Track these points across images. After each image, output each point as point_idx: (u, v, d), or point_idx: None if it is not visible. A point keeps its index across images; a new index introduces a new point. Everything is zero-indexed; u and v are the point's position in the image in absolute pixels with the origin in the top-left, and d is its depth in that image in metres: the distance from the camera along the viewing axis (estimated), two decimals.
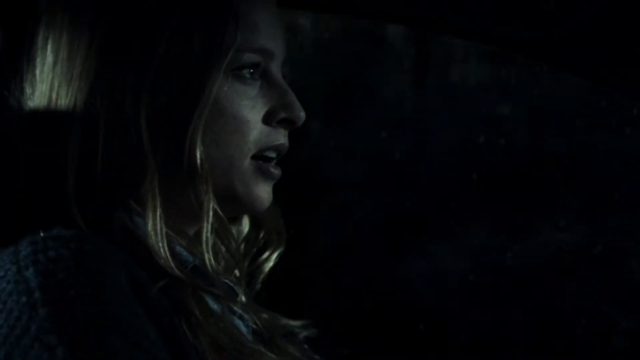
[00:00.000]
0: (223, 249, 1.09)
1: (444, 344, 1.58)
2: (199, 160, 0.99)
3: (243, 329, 1.05)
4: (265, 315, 1.11)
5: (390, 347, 1.58)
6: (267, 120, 1.05)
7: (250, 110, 1.04)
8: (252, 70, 1.04)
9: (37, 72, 1.02)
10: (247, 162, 1.04)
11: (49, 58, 1.01)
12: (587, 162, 1.59)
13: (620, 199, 1.57)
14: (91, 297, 0.86)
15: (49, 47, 1.01)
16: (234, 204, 1.05)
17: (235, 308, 1.04)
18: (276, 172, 1.07)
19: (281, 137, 1.07)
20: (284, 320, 1.16)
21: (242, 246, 1.14)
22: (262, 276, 1.15)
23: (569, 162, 1.58)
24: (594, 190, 1.59)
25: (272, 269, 1.15)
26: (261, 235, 1.15)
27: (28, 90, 1.03)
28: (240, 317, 1.06)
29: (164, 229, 0.98)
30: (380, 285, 1.60)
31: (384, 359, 1.58)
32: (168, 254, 0.97)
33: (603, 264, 1.56)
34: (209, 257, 1.00)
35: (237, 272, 1.11)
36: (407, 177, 1.65)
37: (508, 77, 1.66)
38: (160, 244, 0.97)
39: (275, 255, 1.15)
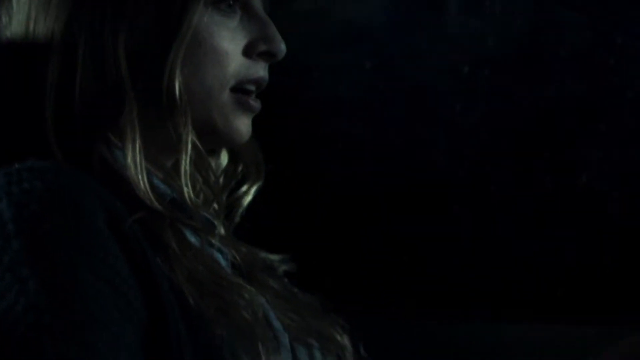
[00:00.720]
0: (201, 181, 1.09)
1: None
2: (177, 92, 0.99)
3: (222, 262, 1.05)
4: (244, 249, 1.11)
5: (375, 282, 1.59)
6: (247, 52, 1.05)
7: (230, 42, 1.03)
8: (231, 2, 1.03)
9: (14, 0, 1.01)
10: (226, 95, 1.03)
11: None
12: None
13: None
14: (65, 231, 0.86)
15: None
16: (212, 136, 1.04)
17: (213, 241, 1.04)
18: (256, 104, 1.06)
19: (261, 70, 1.06)
20: (264, 254, 1.16)
21: (221, 179, 1.14)
22: (241, 209, 1.15)
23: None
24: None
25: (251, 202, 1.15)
26: (240, 168, 1.15)
27: (4, 19, 1.01)
28: (219, 251, 1.06)
29: (143, 162, 0.97)
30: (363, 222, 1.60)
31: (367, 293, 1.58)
32: (147, 186, 0.97)
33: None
34: (187, 190, 1.00)
35: (215, 205, 1.10)
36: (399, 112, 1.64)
37: None
38: (139, 177, 0.96)
39: (254, 189, 1.15)
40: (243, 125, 1.06)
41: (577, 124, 1.62)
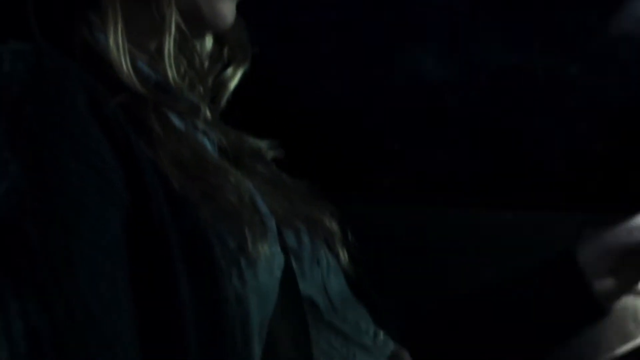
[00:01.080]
0: (186, 64, 1.07)
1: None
2: None
3: (209, 146, 1.04)
4: (232, 134, 1.10)
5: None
6: None
7: None
8: None
9: None
10: None
11: None
12: None
13: None
14: (47, 114, 0.85)
15: None
16: (196, 21, 1.02)
17: (199, 125, 1.03)
18: None
19: None
20: (252, 140, 1.14)
21: (206, 62, 1.12)
22: (227, 93, 1.13)
23: None
24: None
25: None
26: (225, 51, 1.13)
27: None
28: (206, 135, 1.05)
29: (126, 44, 0.95)
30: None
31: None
32: (130, 69, 0.95)
33: None
34: (171, 72, 0.98)
35: (201, 89, 1.08)
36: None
37: None
38: (122, 59, 0.95)
39: (239, 72, 1.13)
40: (227, 9, 1.03)
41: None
